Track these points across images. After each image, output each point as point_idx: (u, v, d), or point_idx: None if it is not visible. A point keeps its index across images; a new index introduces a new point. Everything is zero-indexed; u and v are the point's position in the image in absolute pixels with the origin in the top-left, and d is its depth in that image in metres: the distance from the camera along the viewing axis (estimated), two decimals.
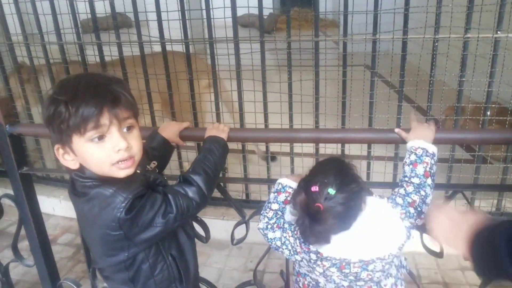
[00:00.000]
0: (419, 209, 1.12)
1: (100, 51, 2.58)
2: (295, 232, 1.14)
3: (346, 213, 1.02)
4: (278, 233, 1.19)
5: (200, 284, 1.67)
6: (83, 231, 1.19)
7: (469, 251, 0.95)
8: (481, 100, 2.32)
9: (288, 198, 1.22)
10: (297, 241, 1.13)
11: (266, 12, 2.48)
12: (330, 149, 2.51)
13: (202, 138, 1.34)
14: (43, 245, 1.84)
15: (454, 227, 0.98)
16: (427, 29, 2.11)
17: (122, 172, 1.05)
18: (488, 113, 2.21)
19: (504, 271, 0.87)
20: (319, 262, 1.10)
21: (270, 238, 1.21)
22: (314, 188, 1.02)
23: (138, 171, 1.12)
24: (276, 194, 1.24)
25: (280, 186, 1.24)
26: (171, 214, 1.08)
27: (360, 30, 2.20)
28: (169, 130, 1.41)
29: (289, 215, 1.20)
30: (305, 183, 1.06)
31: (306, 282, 1.21)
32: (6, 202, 1.81)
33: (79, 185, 1.08)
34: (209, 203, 1.22)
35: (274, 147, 2.73)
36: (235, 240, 1.49)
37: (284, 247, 1.18)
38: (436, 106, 2.36)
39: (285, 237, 1.17)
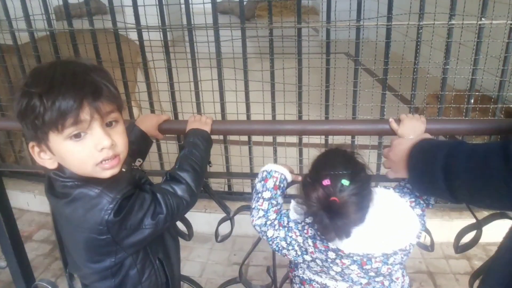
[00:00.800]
0: (427, 201, 1.10)
1: (73, 39, 2.45)
2: (305, 231, 1.08)
3: (361, 203, 0.98)
4: (282, 233, 1.11)
5: (183, 283, 1.62)
6: (64, 235, 1.07)
7: (407, 160, 0.99)
8: (464, 88, 2.31)
9: (277, 183, 1.15)
10: (309, 240, 1.07)
11: None
12: (313, 139, 2.48)
13: (183, 131, 1.27)
14: (15, 245, 1.75)
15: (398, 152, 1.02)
16: (411, 16, 2.07)
17: (107, 172, 0.95)
18: (472, 101, 2.20)
19: (434, 182, 0.89)
20: (338, 261, 1.05)
21: (270, 237, 1.12)
22: (326, 182, 0.96)
23: (124, 170, 1.02)
24: (263, 182, 1.15)
25: (265, 173, 1.16)
26: (161, 215, 1.00)
27: (341, 18, 2.15)
28: (148, 122, 1.32)
29: (294, 214, 1.12)
30: (313, 179, 1.00)
31: None
32: None
33: (59, 185, 0.97)
34: None
35: (256, 137, 2.67)
36: (219, 237, 1.43)
37: (290, 247, 1.11)
38: (419, 94, 2.34)
39: (291, 237, 1.10)
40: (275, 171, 1.16)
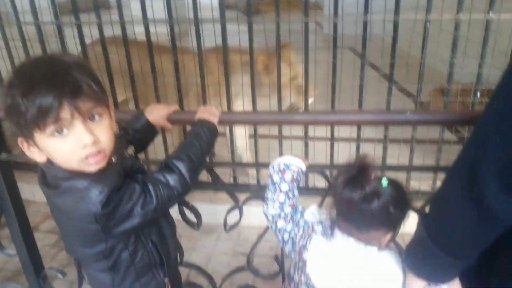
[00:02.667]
0: None
1: (80, 32, 2.46)
2: (306, 233, 1.10)
3: (379, 215, 0.96)
4: (289, 227, 1.13)
5: (189, 270, 1.64)
6: (57, 222, 1.10)
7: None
8: (470, 82, 2.31)
9: (295, 176, 1.16)
10: (301, 241, 1.09)
11: None
12: (319, 131, 2.49)
13: (192, 121, 1.28)
14: (25, 234, 1.77)
15: None
16: (419, 10, 2.08)
17: (92, 167, 0.96)
18: (478, 94, 2.21)
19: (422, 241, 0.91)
20: (300, 271, 1.07)
21: (279, 228, 1.14)
22: (373, 175, 0.97)
23: (114, 160, 1.04)
24: (280, 174, 1.16)
25: (282, 165, 1.17)
26: (150, 205, 1.01)
27: (347, 12, 2.15)
28: (157, 112, 1.33)
29: (309, 215, 1.13)
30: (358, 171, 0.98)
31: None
32: None
33: (50, 176, 1.00)
34: (196, 187, 1.15)
35: (262, 130, 2.68)
36: (228, 226, 1.44)
37: (290, 241, 1.13)
38: (425, 89, 2.35)
39: (295, 232, 1.12)
40: (293, 165, 1.17)
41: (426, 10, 2.05)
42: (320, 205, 1.28)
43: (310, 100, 2.51)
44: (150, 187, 1.02)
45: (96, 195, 0.94)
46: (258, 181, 2.74)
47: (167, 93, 2.51)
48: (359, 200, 0.95)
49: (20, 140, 0.97)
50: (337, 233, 1.04)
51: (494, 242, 0.83)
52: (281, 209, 1.14)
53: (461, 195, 0.79)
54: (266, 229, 1.45)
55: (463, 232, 0.82)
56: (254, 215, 2.10)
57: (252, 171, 2.85)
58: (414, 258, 0.97)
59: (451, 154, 2.40)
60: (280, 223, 1.14)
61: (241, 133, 2.88)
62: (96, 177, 0.96)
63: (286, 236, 1.13)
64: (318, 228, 1.09)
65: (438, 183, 2.33)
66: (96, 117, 0.96)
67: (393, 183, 0.99)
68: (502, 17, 2.01)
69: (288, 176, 1.16)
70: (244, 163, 2.32)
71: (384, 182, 0.96)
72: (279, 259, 1.48)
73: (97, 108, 0.95)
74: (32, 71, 0.91)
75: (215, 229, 2.68)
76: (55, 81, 0.89)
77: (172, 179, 1.05)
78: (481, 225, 0.78)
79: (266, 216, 1.17)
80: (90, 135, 0.93)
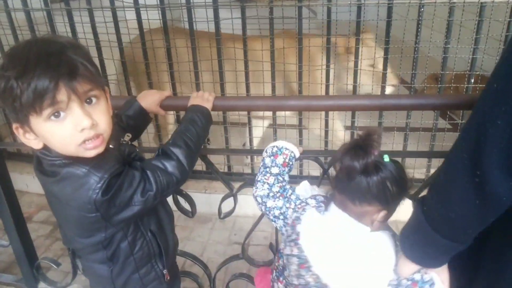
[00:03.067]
0: None
1: (70, 19, 2.42)
2: (298, 207, 1.09)
3: (377, 189, 0.96)
4: (280, 202, 1.12)
5: (185, 259, 1.63)
6: (54, 211, 1.07)
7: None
8: (464, 69, 2.30)
9: (286, 160, 1.16)
10: (294, 214, 1.09)
11: None
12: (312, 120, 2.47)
13: (185, 107, 1.26)
14: (18, 225, 1.76)
15: None
16: None
17: (91, 152, 0.93)
18: (472, 81, 2.20)
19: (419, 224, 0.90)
20: (292, 243, 1.06)
21: (269, 207, 1.13)
22: (374, 152, 0.97)
23: (112, 146, 1.01)
24: (273, 157, 1.16)
25: (275, 149, 1.17)
26: (150, 192, 0.99)
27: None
28: (149, 98, 1.31)
29: (301, 190, 1.13)
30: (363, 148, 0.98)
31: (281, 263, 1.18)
32: None
33: (47, 163, 0.97)
34: (190, 176, 1.13)
35: (256, 119, 2.67)
36: (222, 214, 1.44)
37: (281, 217, 1.12)
38: (419, 75, 2.34)
39: (286, 207, 1.11)
40: (286, 148, 1.17)
41: None
42: None
43: (390, 89, 2.42)
44: (149, 174, 1.00)
45: (96, 181, 0.91)
46: (252, 168, 2.73)
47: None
48: (358, 169, 0.95)
49: (15, 126, 0.93)
50: (332, 207, 1.04)
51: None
52: (269, 190, 1.14)
53: (462, 180, 0.78)
54: (261, 217, 1.45)
55: (464, 216, 0.82)
56: (249, 204, 2.10)
57: (247, 160, 2.85)
58: (410, 243, 0.96)
59: (445, 141, 2.43)
60: (270, 203, 1.13)
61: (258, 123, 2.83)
62: (95, 163, 0.94)
63: (277, 212, 1.12)
64: (312, 202, 1.09)
65: (432, 171, 2.34)
66: (93, 100, 0.93)
67: (395, 162, 1.00)
68: (496, 0, 1.99)
69: (279, 159, 1.16)
70: (238, 150, 2.30)
71: (386, 157, 0.97)
72: (274, 246, 1.47)
73: (94, 91, 0.93)
74: (26, 53, 0.87)
75: (210, 219, 2.67)
76: (50, 62, 0.85)
77: (170, 166, 1.04)
78: (484, 208, 0.78)
79: (256, 199, 1.16)
80: (88, 118, 0.90)
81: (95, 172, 0.92)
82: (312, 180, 1.28)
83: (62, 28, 2.46)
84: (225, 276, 1.95)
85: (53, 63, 0.86)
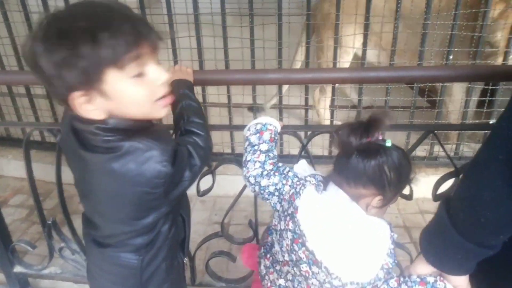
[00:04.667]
0: None
1: None
2: (297, 184, 1.06)
3: (376, 173, 0.94)
4: (276, 179, 1.09)
5: None
6: (97, 194, 0.98)
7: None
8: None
9: (272, 136, 1.13)
10: (291, 190, 1.06)
11: None
12: (293, 98, 2.46)
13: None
14: None
15: None
16: None
17: (163, 111, 0.93)
18: (451, 56, 2.21)
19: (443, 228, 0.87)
20: (288, 218, 1.03)
21: (263, 186, 1.10)
22: (377, 135, 0.95)
23: (155, 121, 0.99)
24: (258, 134, 1.13)
25: (259, 125, 1.14)
26: (196, 166, 0.99)
27: None
28: None
29: (299, 168, 1.11)
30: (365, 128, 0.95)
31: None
32: None
33: (100, 139, 0.89)
34: None
35: (236, 98, 2.64)
36: (200, 191, 1.41)
37: (276, 193, 1.09)
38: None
39: (283, 183, 1.08)
40: (270, 124, 1.15)
41: None
42: None
43: None
44: (191, 149, 1.00)
45: (161, 154, 0.88)
46: (232, 148, 2.71)
47: None
48: (353, 146, 0.93)
49: (76, 95, 0.84)
50: (330, 186, 1.02)
51: None
52: (262, 168, 1.11)
53: (496, 182, 0.74)
54: (240, 194, 1.43)
55: (498, 220, 0.78)
56: (229, 184, 2.08)
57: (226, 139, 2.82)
58: (432, 247, 0.93)
59: (423, 118, 2.45)
60: (264, 182, 1.10)
61: None
62: (154, 136, 0.90)
63: (272, 189, 1.09)
64: (312, 179, 1.06)
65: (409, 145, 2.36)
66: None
67: (398, 149, 0.97)
68: None
69: (266, 135, 1.13)
70: (217, 125, 2.27)
71: (389, 142, 0.95)
72: (253, 223, 1.47)
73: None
74: (94, 8, 0.83)
75: (190, 199, 2.63)
76: (129, 16, 0.84)
77: (200, 140, 1.04)
78: None
79: (248, 180, 1.12)
80: (166, 72, 0.90)
81: (159, 144, 0.89)
82: (293, 159, 1.26)
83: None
84: (206, 255, 1.94)
85: (131, 17, 0.85)
